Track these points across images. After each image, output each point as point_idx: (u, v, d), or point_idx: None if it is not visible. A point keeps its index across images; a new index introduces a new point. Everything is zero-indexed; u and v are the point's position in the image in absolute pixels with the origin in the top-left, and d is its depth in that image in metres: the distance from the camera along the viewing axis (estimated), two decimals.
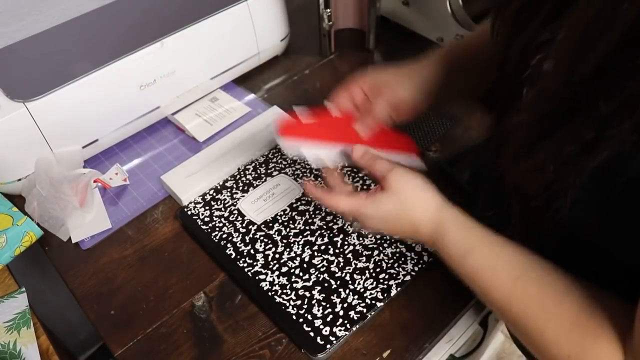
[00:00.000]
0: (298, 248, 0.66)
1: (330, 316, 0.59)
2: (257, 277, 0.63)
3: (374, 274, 0.62)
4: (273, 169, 0.75)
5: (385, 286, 0.61)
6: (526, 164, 0.37)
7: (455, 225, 0.48)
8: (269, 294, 0.61)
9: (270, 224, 0.68)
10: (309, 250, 0.65)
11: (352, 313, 0.59)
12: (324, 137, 0.58)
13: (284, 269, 0.64)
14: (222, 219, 0.69)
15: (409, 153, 0.64)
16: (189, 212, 0.71)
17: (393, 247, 0.64)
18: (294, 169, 0.75)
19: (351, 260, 0.64)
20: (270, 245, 0.66)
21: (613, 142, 0.30)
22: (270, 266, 0.64)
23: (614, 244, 0.38)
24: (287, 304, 0.60)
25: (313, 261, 0.64)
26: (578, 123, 0.31)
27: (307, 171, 0.74)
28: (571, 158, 0.32)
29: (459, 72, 0.59)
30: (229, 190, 0.73)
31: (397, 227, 0.49)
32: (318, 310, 0.60)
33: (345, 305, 0.60)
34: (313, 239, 0.66)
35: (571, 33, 0.31)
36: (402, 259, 0.63)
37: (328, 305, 0.60)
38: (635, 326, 0.35)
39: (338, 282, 0.62)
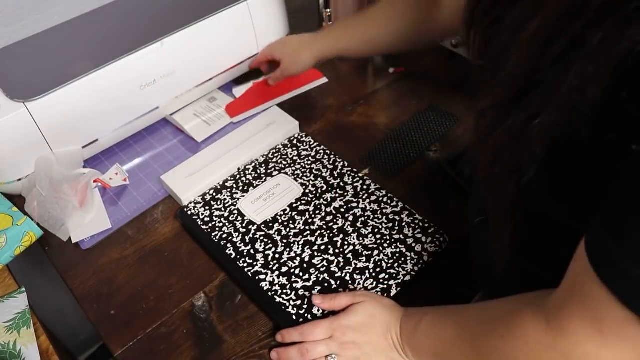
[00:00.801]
0: (298, 248, 0.66)
1: (331, 316, 0.59)
2: (257, 277, 0.63)
3: (374, 274, 0.62)
4: (273, 169, 0.75)
5: (385, 286, 0.61)
6: (488, 145, 0.38)
7: (413, 309, 0.56)
8: (269, 294, 0.61)
9: (270, 224, 0.68)
10: (309, 250, 0.65)
11: None
12: (256, 99, 0.87)
13: (284, 269, 0.64)
14: (222, 219, 0.69)
15: (317, 79, 0.91)
16: (189, 212, 0.71)
17: (393, 247, 0.64)
18: (294, 169, 0.75)
19: (351, 260, 0.64)
20: (270, 245, 0.66)
21: (555, 106, 0.32)
22: (270, 266, 0.64)
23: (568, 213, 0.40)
24: (287, 304, 0.60)
25: (313, 261, 0.64)
26: (530, 96, 0.34)
27: (307, 171, 0.74)
28: (521, 128, 0.34)
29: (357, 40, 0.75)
30: (229, 190, 0.73)
31: (373, 329, 0.55)
32: (318, 311, 0.60)
33: None
34: (313, 239, 0.66)
35: (544, 24, 0.33)
36: (402, 259, 0.63)
37: None
38: (562, 284, 0.38)
39: (338, 282, 0.62)
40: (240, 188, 0.73)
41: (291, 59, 0.78)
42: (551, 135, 0.33)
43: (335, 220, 0.68)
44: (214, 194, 0.73)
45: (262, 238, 0.67)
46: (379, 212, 0.68)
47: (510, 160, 0.37)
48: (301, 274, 0.63)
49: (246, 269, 0.64)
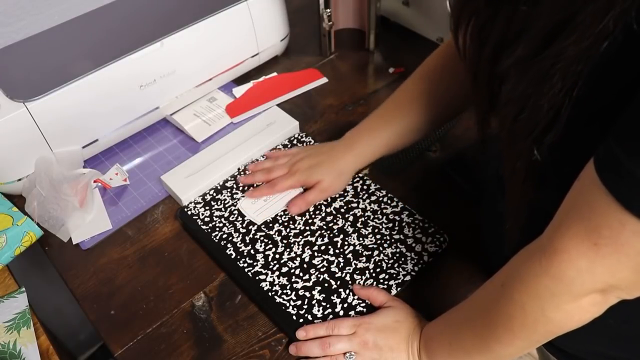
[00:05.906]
0: (298, 248, 0.66)
1: (331, 316, 0.59)
2: (257, 277, 0.63)
3: (374, 274, 0.62)
4: None
5: (385, 286, 0.61)
6: (517, 96, 0.38)
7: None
8: (269, 294, 0.61)
9: (271, 224, 0.68)
10: (309, 251, 0.65)
11: (352, 313, 0.59)
12: (256, 99, 0.88)
13: (284, 269, 0.64)
14: (222, 219, 0.69)
15: (317, 79, 0.91)
16: (189, 212, 0.71)
17: (393, 247, 0.65)
18: None
19: (351, 260, 0.64)
20: (271, 246, 0.66)
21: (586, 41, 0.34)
22: (271, 266, 0.64)
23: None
24: (287, 304, 0.60)
25: (313, 261, 0.64)
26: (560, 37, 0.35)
27: None
28: (552, 62, 0.35)
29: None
30: (229, 190, 0.73)
31: (396, 333, 0.56)
32: (318, 311, 0.60)
33: (345, 305, 0.60)
34: (313, 239, 0.66)
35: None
36: (402, 259, 0.63)
37: (328, 306, 0.60)
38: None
39: (338, 283, 0.62)
40: (241, 188, 0.73)
41: (334, 177, 0.70)
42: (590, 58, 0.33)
43: (335, 221, 0.68)
44: (214, 194, 0.73)
45: (262, 238, 0.67)
46: (379, 212, 0.68)
47: (533, 110, 0.37)
48: (301, 274, 0.63)
49: (246, 269, 0.64)
